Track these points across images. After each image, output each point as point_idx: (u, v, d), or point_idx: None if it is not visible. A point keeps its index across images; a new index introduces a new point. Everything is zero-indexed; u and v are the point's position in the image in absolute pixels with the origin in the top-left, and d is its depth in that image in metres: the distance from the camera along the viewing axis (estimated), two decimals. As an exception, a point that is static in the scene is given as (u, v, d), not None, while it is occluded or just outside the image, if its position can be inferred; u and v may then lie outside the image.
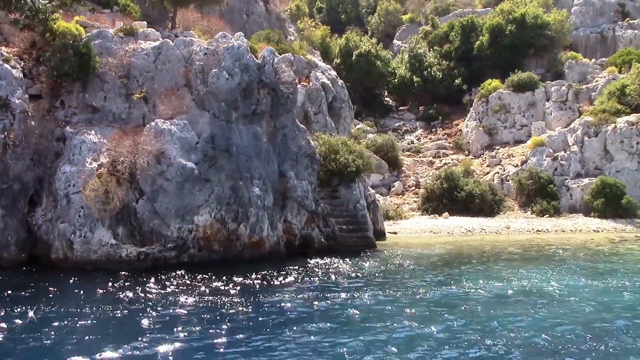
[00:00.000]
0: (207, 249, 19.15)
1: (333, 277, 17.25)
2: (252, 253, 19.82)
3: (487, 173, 38.60)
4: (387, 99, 52.16)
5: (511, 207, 35.25)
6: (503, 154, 39.85)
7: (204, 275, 16.87)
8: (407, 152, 43.00)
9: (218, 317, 12.61)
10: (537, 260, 20.67)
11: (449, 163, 40.56)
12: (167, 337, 11.16)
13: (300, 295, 14.68)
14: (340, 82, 30.16)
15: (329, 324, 12.15)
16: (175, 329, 11.66)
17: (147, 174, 18.93)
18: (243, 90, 20.73)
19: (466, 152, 42.50)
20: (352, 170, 23.68)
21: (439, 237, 28.21)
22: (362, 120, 46.15)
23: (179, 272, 17.18)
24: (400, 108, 51.39)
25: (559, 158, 36.25)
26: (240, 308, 13.41)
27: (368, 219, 23.99)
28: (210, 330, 11.59)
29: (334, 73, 30.25)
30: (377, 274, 17.78)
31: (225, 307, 13.52)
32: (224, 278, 16.54)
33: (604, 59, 45.53)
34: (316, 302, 13.97)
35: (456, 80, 47.77)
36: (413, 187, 37.76)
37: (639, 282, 16.25)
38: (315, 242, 21.98)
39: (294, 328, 11.80)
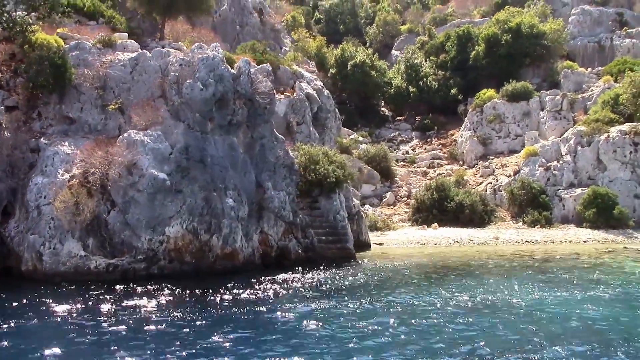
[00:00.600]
0: (178, 261, 19.03)
1: (291, 289, 17.08)
2: (225, 264, 19.68)
3: (480, 183, 38.30)
4: (383, 109, 52.01)
5: (503, 217, 34.94)
6: (496, 164, 39.56)
7: (154, 287, 16.81)
8: (402, 163, 42.79)
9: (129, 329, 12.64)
10: (508, 272, 20.40)
11: (442, 173, 40.32)
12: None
13: (241, 308, 14.53)
14: (326, 92, 30.11)
15: (245, 333, 12.17)
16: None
17: (118, 185, 18.89)
18: (218, 100, 20.66)
19: (461, 162, 42.21)
20: (331, 181, 23.53)
21: (425, 248, 27.94)
22: (357, 130, 46.01)
23: (130, 285, 17.04)
24: (397, 118, 51.19)
25: (552, 168, 35.91)
26: (158, 323, 13.26)
27: (348, 230, 23.81)
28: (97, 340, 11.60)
29: (320, 83, 30.21)
30: (340, 286, 17.59)
31: (144, 320, 13.42)
32: (174, 290, 16.49)
33: (600, 68, 45.20)
34: (250, 315, 13.89)
35: (452, 90, 47.56)
36: (405, 198, 37.51)
37: (595, 294, 15.96)
38: (292, 253, 21.82)
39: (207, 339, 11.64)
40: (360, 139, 42.51)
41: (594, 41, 49.52)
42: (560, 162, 36.05)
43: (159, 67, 21.66)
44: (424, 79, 48.55)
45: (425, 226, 32.61)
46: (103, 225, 18.72)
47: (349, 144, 38.15)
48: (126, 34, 24.53)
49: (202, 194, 19.63)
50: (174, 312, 14.01)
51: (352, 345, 11.42)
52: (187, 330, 12.51)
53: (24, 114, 20.95)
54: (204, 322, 13.16)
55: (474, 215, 33.47)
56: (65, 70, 20.77)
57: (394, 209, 36.41)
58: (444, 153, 43.74)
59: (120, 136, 19.73)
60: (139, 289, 16.72)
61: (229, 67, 21.39)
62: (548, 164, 36.30)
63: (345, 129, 43.51)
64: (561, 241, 29.89)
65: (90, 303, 15.06)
